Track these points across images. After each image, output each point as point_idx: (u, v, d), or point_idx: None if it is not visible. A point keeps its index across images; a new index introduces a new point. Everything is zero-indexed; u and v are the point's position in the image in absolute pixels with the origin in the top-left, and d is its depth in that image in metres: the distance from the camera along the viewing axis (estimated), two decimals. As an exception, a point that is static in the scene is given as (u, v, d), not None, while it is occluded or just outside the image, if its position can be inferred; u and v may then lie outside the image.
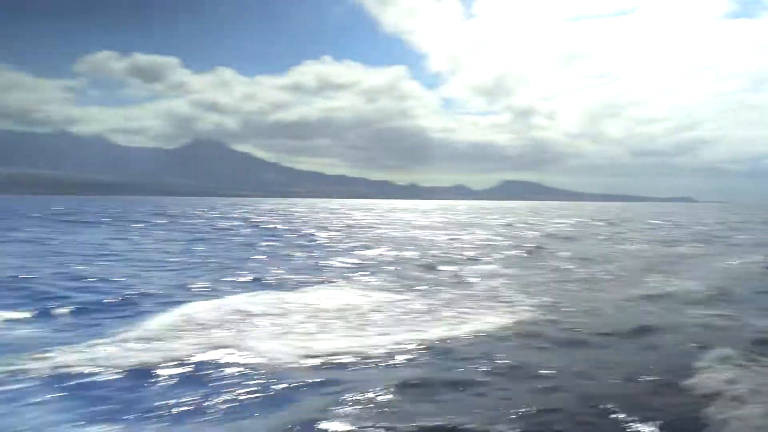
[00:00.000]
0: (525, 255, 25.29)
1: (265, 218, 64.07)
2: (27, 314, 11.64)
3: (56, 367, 7.94)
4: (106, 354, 8.62)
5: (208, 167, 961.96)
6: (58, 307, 12.37)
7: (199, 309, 11.97)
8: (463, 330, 10.53)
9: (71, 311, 12.15)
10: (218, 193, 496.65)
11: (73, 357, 8.41)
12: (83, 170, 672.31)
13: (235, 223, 52.49)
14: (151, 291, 14.66)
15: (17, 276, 16.68)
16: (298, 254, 24.58)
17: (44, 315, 11.74)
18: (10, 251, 24.33)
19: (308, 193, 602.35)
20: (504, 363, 8.52)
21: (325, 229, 44.99)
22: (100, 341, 9.33)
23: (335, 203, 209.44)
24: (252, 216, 70.33)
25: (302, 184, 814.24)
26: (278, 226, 47.78)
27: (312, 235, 37.75)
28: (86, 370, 7.86)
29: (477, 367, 8.34)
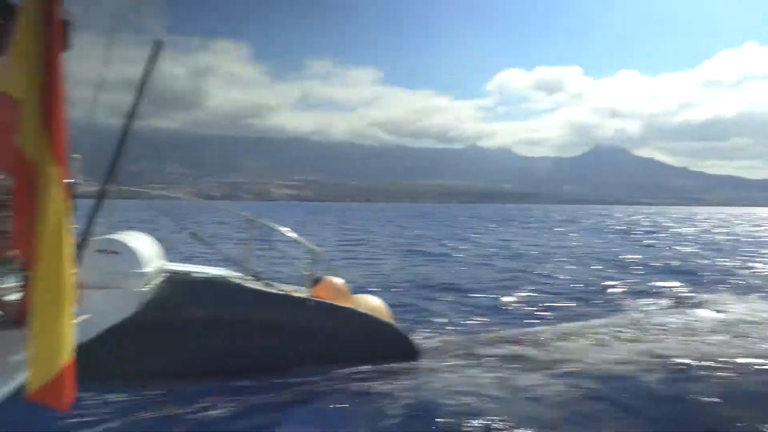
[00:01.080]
0: None
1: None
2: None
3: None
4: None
5: (606, 175, 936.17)
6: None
7: None
8: None
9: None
10: (619, 201, 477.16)
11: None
12: (490, 180, 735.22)
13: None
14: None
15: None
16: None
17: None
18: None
19: (722, 201, 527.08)
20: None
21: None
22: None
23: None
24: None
25: (715, 191, 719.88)
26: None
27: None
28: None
29: None
